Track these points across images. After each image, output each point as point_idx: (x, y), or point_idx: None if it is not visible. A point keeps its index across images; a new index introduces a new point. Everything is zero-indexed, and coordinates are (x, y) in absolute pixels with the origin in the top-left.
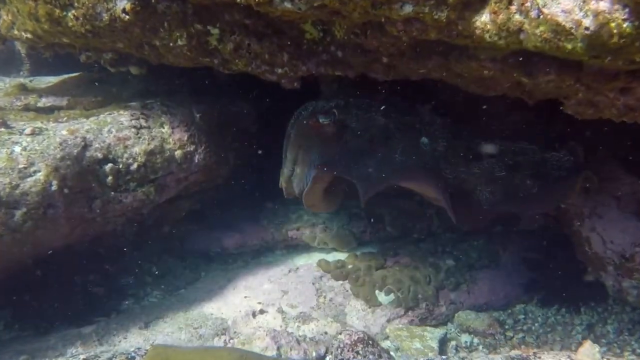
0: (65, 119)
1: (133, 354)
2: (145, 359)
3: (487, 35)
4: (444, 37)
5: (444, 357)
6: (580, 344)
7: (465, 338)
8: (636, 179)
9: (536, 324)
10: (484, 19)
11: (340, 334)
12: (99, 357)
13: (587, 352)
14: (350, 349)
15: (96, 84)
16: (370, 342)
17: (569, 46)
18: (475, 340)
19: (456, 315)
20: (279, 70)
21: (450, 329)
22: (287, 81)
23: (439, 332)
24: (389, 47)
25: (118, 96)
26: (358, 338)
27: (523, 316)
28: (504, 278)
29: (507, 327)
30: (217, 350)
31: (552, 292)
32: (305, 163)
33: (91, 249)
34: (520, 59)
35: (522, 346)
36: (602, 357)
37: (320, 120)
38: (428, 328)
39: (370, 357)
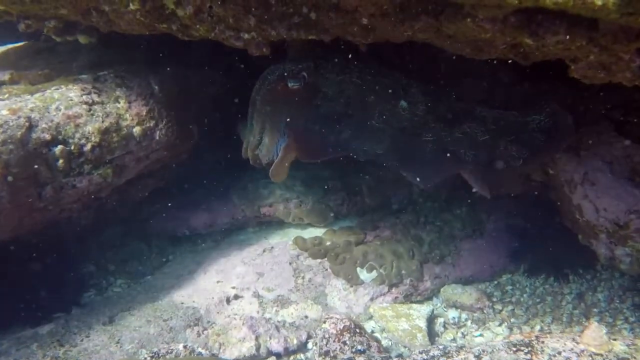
0: (6, 96)
1: None
2: None
3: None
4: None
5: (440, 346)
6: (571, 314)
7: (452, 314)
8: (629, 141)
9: (525, 295)
10: None
11: (325, 322)
12: None
13: (594, 335)
14: (337, 339)
15: (43, 54)
16: (358, 330)
17: (599, 2)
18: (463, 315)
19: (442, 289)
20: (246, 36)
21: (437, 305)
22: (254, 47)
23: (425, 309)
24: (370, 6)
25: (67, 68)
26: (344, 327)
27: (511, 287)
28: (490, 248)
29: (495, 299)
30: None
31: (539, 260)
32: (274, 132)
33: (45, 238)
34: (524, 18)
35: (512, 319)
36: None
37: (290, 85)
38: (414, 305)
39: (359, 347)
